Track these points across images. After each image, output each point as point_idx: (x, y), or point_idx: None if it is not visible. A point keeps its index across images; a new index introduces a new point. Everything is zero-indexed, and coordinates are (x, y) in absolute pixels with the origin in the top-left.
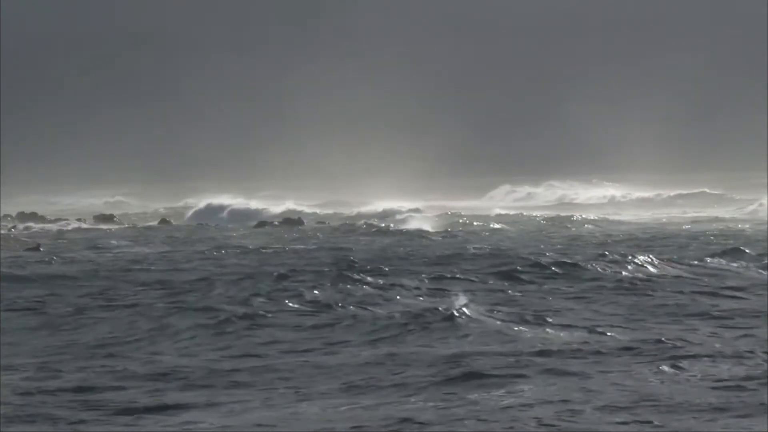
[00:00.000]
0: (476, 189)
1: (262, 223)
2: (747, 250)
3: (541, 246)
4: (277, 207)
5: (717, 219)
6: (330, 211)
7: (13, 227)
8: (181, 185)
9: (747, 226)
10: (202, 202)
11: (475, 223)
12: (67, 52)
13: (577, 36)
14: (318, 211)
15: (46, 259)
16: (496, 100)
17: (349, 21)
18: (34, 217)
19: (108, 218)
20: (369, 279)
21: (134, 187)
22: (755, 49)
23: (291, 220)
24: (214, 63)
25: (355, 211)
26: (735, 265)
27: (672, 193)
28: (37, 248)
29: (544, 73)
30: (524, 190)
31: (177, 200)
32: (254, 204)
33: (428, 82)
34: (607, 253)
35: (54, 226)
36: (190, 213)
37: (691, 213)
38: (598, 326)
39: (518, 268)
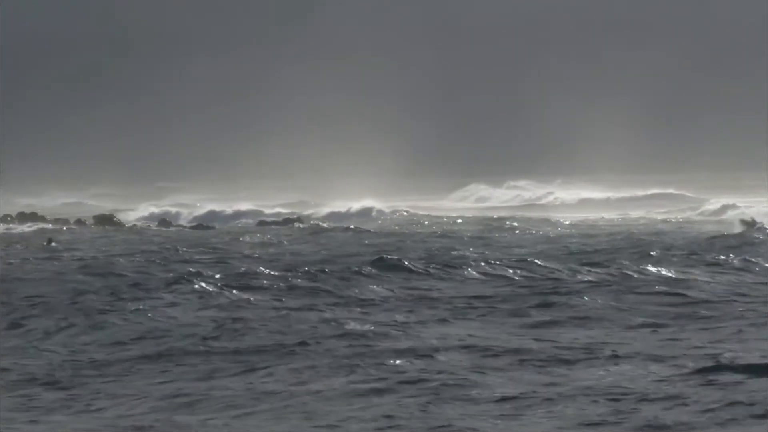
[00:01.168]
0: (444, 189)
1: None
2: (652, 253)
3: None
4: (231, 206)
5: (665, 221)
6: (287, 210)
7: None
8: (160, 187)
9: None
10: (167, 204)
11: (421, 223)
12: (43, 54)
13: (548, 36)
14: (282, 210)
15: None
16: (470, 101)
17: (322, 23)
18: (34, 217)
19: (108, 219)
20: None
21: (104, 188)
22: (730, 48)
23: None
24: (189, 64)
25: (309, 211)
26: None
27: (640, 194)
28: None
29: (516, 73)
30: (489, 190)
31: (141, 201)
32: (212, 205)
33: (400, 83)
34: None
35: (53, 227)
36: (146, 214)
37: (654, 214)
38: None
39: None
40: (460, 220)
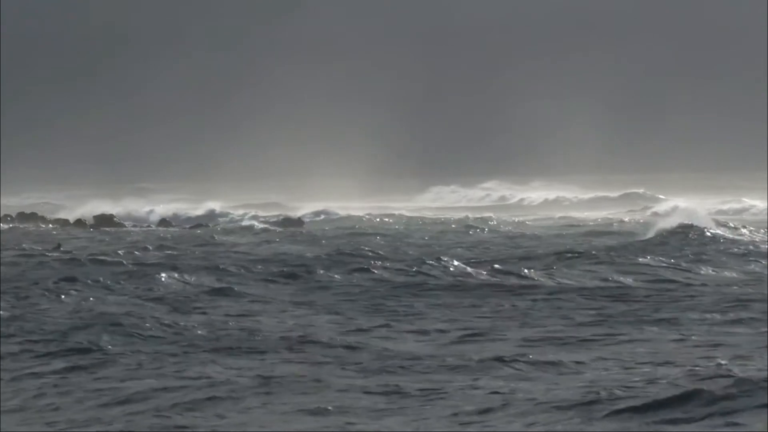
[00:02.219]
0: (416, 190)
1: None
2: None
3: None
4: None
5: (620, 222)
6: (252, 212)
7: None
8: (141, 188)
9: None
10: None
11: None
12: (19, 55)
13: (520, 38)
14: (251, 212)
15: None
16: (445, 103)
17: (300, 24)
18: (34, 217)
19: (108, 220)
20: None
21: (83, 189)
22: (708, 49)
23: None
24: (168, 64)
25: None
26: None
27: (611, 194)
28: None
29: (492, 75)
30: (460, 191)
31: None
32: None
33: (374, 85)
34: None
35: (52, 226)
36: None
37: (621, 214)
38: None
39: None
40: (417, 221)
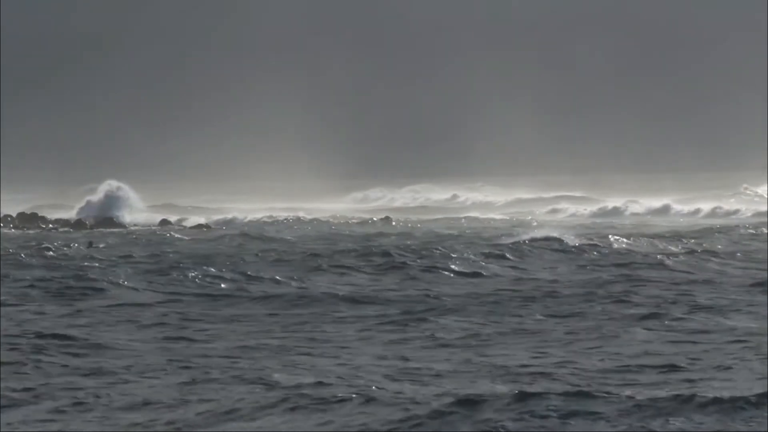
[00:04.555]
0: (343, 191)
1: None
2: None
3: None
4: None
5: (542, 223)
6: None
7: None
8: (92, 189)
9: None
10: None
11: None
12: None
13: (460, 39)
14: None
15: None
16: (383, 105)
17: (227, 22)
18: (35, 218)
19: (109, 221)
20: None
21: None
22: (653, 49)
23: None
24: (107, 66)
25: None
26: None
27: (546, 195)
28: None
29: (429, 77)
30: (387, 192)
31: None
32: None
33: (314, 86)
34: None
35: (52, 227)
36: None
37: (543, 216)
38: None
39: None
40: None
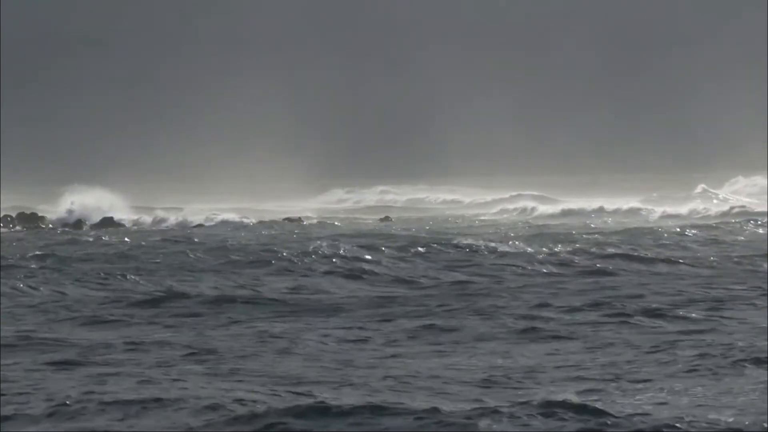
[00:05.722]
0: (309, 192)
1: None
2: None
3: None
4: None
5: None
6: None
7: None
8: (72, 189)
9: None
10: None
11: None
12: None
13: (430, 37)
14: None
15: None
16: (355, 106)
17: (203, 21)
18: (34, 218)
19: (109, 221)
20: None
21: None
22: (627, 46)
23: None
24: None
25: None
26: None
27: (506, 195)
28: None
29: (407, 73)
30: (355, 193)
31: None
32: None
33: (290, 86)
34: None
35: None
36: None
37: (499, 215)
38: None
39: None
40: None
